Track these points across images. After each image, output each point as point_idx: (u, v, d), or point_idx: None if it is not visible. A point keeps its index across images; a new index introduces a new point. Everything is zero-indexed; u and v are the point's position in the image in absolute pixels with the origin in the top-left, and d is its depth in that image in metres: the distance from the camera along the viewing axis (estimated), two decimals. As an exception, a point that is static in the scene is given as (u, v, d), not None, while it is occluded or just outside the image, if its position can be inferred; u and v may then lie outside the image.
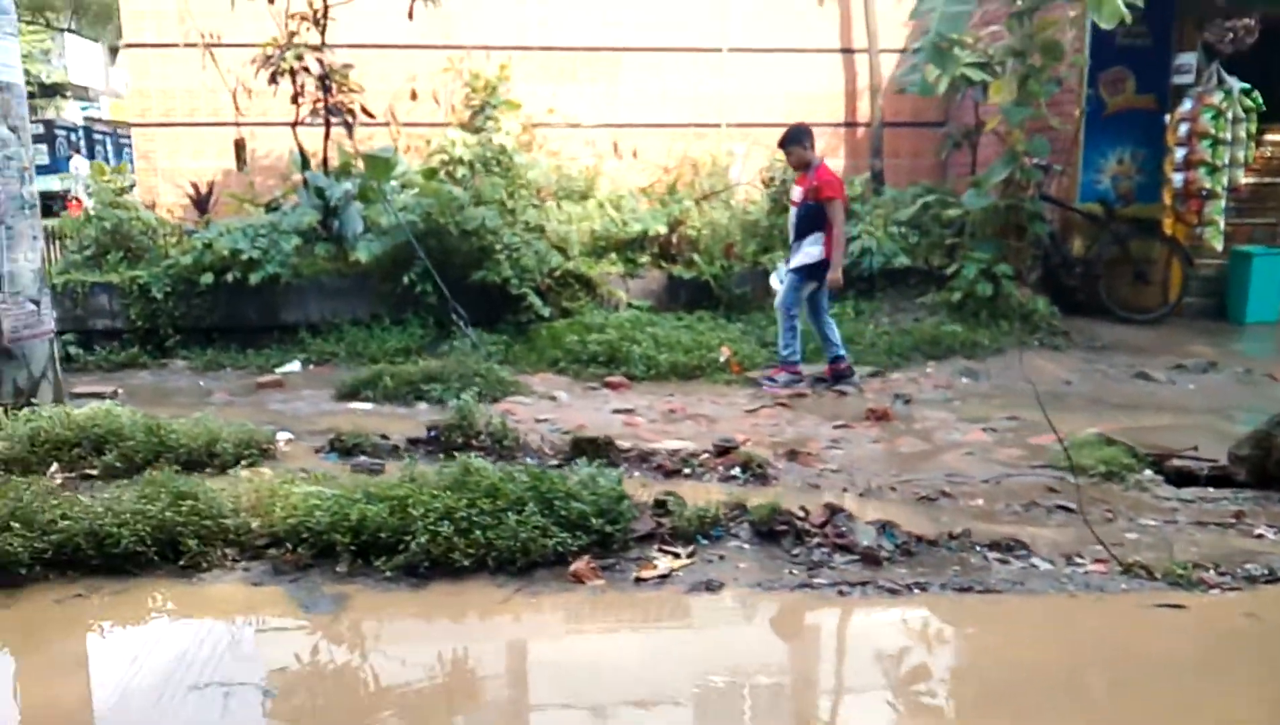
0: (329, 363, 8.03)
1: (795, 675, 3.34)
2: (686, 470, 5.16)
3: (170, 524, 3.93)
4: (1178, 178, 8.60)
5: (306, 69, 8.16)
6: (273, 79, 8.32)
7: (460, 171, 8.88)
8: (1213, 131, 8.34)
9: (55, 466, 5.05)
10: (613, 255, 8.63)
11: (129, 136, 36.66)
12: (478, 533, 3.88)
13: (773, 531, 4.13)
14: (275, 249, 7.97)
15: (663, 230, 8.58)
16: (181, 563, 3.91)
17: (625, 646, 3.46)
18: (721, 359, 7.65)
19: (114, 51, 39.77)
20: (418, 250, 7.81)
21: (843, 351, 7.28)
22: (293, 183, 9.54)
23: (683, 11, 11.29)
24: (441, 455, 5.38)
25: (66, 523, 3.84)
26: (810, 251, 7.13)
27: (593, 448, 5.34)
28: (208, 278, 7.88)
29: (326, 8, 8.40)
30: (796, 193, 7.32)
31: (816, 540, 4.08)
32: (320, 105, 8.56)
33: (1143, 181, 9.40)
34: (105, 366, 7.95)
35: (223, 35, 9.54)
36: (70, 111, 35.02)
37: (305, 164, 8.59)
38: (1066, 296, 8.96)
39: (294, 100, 8.52)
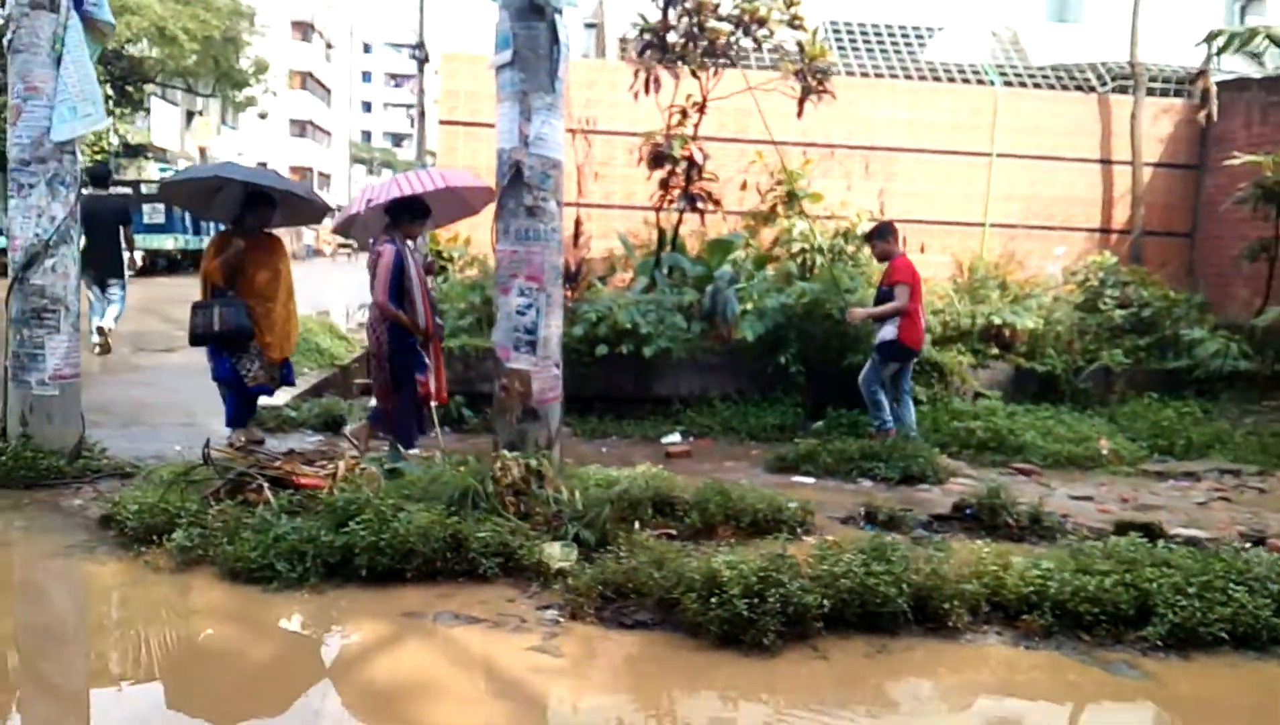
0: (707, 436, 8.29)
1: None
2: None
3: (923, 587, 4.15)
4: None
5: (690, 157, 8.60)
6: (654, 163, 8.75)
7: (817, 259, 9.26)
8: None
9: (637, 524, 5.27)
10: (960, 345, 8.94)
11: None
12: (1219, 608, 4.09)
13: None
14: (664, 324, 8.30)
15: (1030, 324, 8.91)
16: (929, 624, 4.13)
17: None
18: (1104, 451, 7.89)
19: (189, 116, 41.02)
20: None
21: (891, 425, 7.68)
22: (614, 260, 9.94)
23: (954, 117, 11.83)
24: (978, 531, 5.63)
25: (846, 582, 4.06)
26: (886, 332, 7.66)
27: (1137, 530, 5.55)
28: (602, 349, 8.19)
29: (704, 101, 8.88)
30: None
31: None
32: (681, 191, 8.98)
33: None
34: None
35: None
36: (150, 172, 36.06)
37: (669, 245, 8.97)
38: None
39: (663, 185, 8.94)
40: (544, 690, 3.56)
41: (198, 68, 29.21)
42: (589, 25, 17.12)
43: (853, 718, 3.49)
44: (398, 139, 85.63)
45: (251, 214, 6.64)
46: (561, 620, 4.10)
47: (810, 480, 7.03)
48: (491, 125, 11.20)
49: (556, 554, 4.72)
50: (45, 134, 5.95)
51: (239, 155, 51.12)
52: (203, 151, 43.66)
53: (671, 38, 8.81)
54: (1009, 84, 12.34)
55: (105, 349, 10.32)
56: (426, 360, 6.35)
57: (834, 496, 6.50)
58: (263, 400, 7.68)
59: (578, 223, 10.25)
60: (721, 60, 8.95)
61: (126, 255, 10.70)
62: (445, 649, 3.84)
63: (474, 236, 10.34)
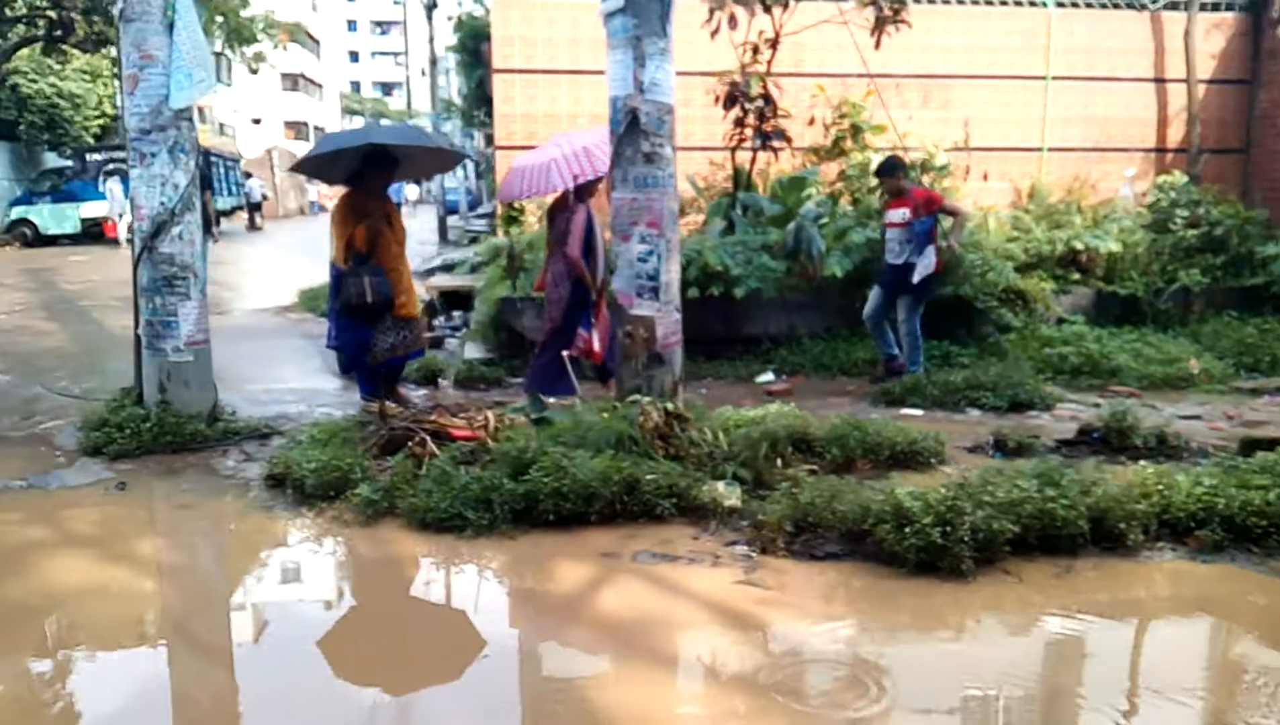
0: (798, 373, 8.40)
1: None
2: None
3: (1098, 508, 4.29)
4: None
5: (765, 94, 8.59)
6: (729, 103, 8.75)
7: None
8: None
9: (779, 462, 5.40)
10: (1040, 271, 9.01)
11: (235, 163, 37.45)
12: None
13: None
14: (752, 265, 8.36)
15: (1114, 247, 8.97)
16: (1105, 543, 4.28)
17: None
18: (1195, 371, 8.01)
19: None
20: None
21: (896, 352, 7.92)
22: (682, 202, 9.94)
23: (1008, 40, 11.76)
24: (1106, 454, 5.77)
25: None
26: (929, 264, 7.63)
27: (1263, 446, 5.68)
28: (693, 292, 8.26)
29: (777, 38, 8.84)
30: (897, 215, 7.84)
31: None
32: (756, 130, 8.98)
33: None
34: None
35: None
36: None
37: (744, 184, 9.00)
38: None
39: (738, 124, 8.94)
40: (768, 618, 3.71)
41: (207, 25, 28.80)
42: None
43: (1081, 623, 3.68)
44: (387, 88, 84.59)
45: (376, 172, 6.61)
46: (754, 555, 4.25)
47: (919, 412, 7.14)
48: (547, 71, 11.32)
49: (723, 492, 4.86)
50: (163, 102, 5.97)
51: (234, 111, 50.59)
52: (202, 111, 43.21)
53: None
54: (1061, 4, 12.22)
55: None
56: (592, 318, 6.55)
57: (948, 427, 6.59)
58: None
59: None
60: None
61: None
62: (655, 585, 3.99)
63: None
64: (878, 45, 8.83)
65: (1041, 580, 4.01)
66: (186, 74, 5.99)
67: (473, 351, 8.75)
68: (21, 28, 24.42)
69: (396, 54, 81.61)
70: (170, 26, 5.95)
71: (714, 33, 8.57)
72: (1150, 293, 9.07)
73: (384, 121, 77.89)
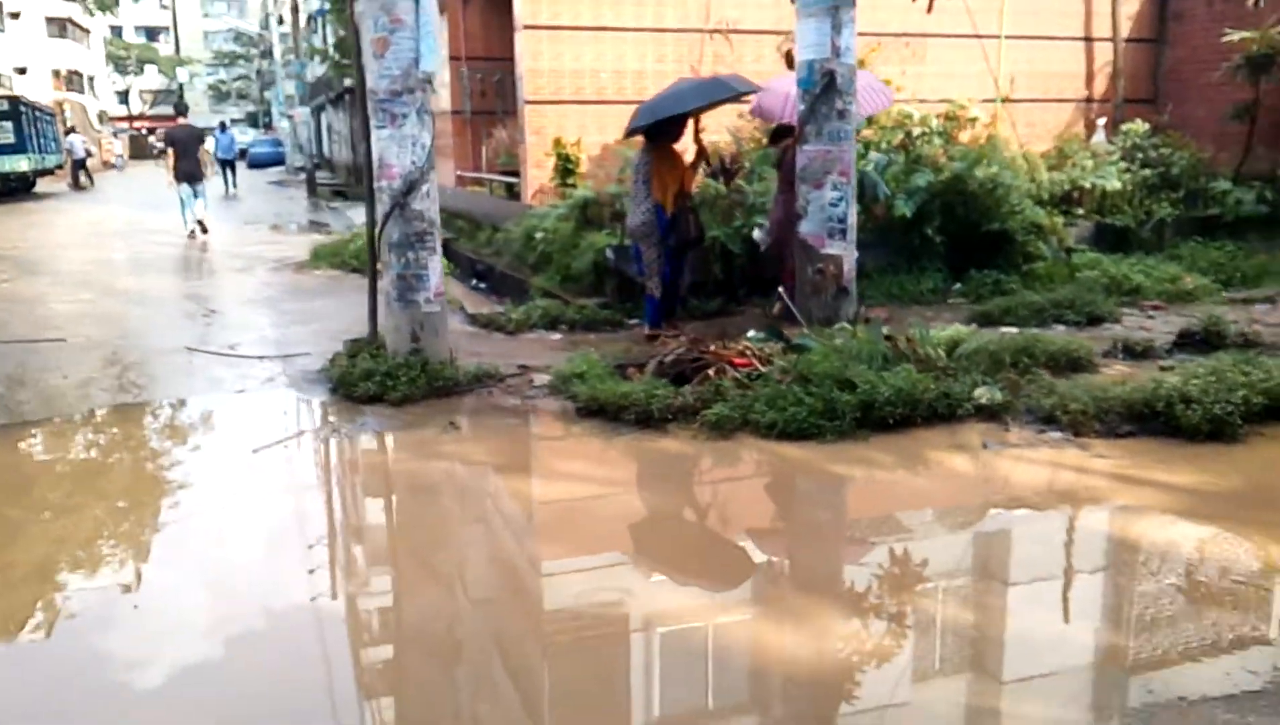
0: (874, 304, 9.47)
1: None
2: None
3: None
4: None
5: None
6: (790, 60, 9.62)
7: (926, 138, 10.45)
8: None
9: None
10: (1048, 208, 10.44)
11: (52, 116, 34.88)
12: None
13: None
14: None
15: (1116, 185, 10.50)
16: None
17: None
18: (1190, 286, 9.66)
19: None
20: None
21: None
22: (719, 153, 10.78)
23: (973, 4, 13.14)
24: (1210, 351, 7.17)
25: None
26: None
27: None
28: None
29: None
30: None
31: None
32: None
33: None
34: (698, 315, 9.08)
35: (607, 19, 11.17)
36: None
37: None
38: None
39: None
40: (1140, 477, 4.80)
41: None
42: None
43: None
44: (152, 33, 79.06)
45: (679, 127, 7.80)
46: (1069, 437, 5.30)
47: (1015, 330, 8.37)
48: (571, 28, 11.74)
49: (987, 394, 5.89)
50: (412, 65, 6.29)
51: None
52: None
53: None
54: (1012, -30, 13.71)
55: (204, 230, 16.19)
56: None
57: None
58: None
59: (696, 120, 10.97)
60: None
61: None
62: (1032, 464, 5.01)
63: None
64: (930, 9, 9.93)
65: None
66: (432, 39, 6.33)
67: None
68: None
69: (161, -5, 76.45)
70: (414, -9, 6.26)
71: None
72: (1138, 224, 10.72)
73: (149, 69, 72.68)
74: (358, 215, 21.00)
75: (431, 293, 6.52)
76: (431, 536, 4.54)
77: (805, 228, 7.17)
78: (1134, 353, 7.18)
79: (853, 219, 7.18)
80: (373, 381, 6.22)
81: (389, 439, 5.77)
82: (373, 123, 6.39)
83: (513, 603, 3.88)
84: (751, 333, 7.01)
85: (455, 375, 6.47)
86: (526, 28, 11.67)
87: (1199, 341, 7.35)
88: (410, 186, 6.35)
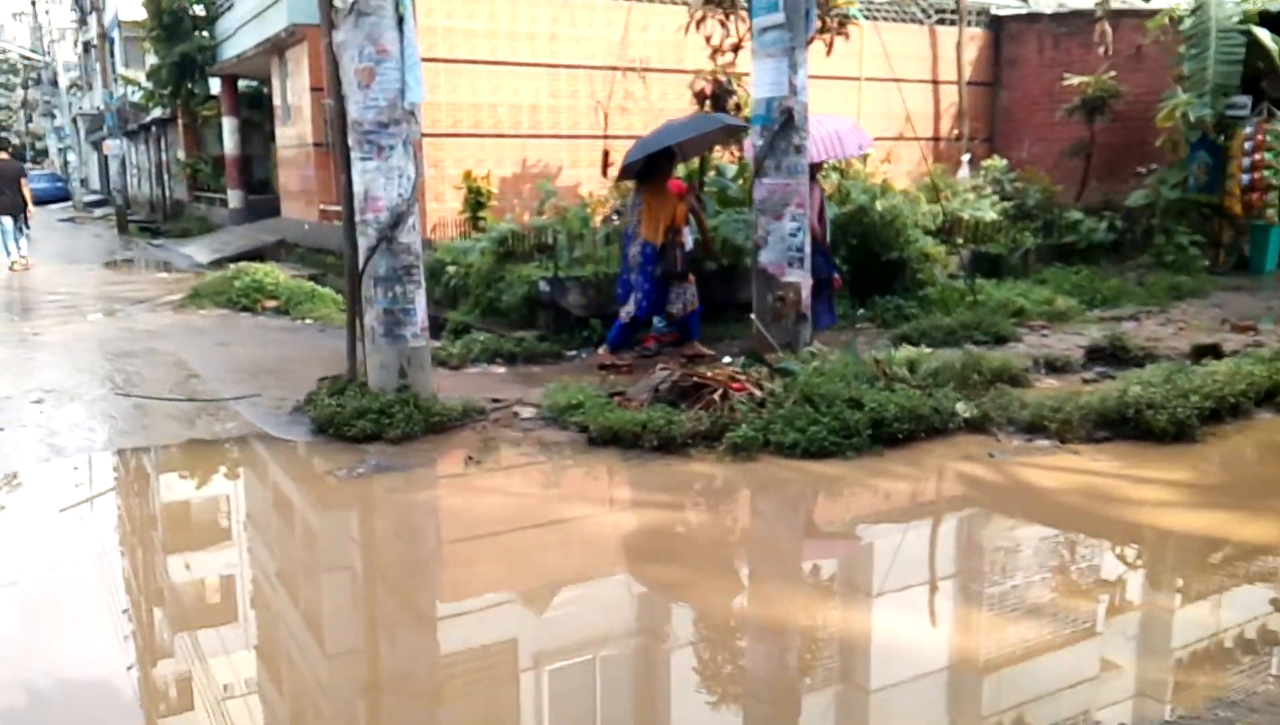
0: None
1: None
2: None
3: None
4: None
5: (733, 91, 9.98)
6: (700, 98, 10.03)
7: (824, 174, 11.03)
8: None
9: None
10: (931, 238, 11.25)
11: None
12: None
13: None
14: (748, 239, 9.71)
15: (993, 216, 11.39)
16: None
17: None
18: (1060, 308, 10.65)
19: None
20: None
21: None
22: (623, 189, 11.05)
23: (840, 48, 14.00)
24: (1114, 365, 7.99)
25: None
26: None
27: (1208, 351, 8.18)
28: (711, 265, 9.46)
29: (739, 44, 10.23)
30: None
31: None
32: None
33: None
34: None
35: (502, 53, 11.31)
36: None
37: (706, 170, 10.34)
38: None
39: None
40: (1144, 474, 5.32)
41: None
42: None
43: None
44: None
45: (670, 165, 8.11)
46: (1057, 444, 5.80)
47: (929, 350, 9.00)
48: (469, 61, 11.72)
49: (966, 408, 6.34)
50: (398, 95, 6.17)
51: None
52: None
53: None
54: (870, 18, 14.69)
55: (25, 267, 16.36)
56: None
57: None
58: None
59: (605, 154, 11.16)
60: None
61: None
62: (1038, 468, 5.47)
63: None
64: (829, 53, 10.54)
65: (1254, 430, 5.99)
66: (418, 69, 6.24)
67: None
68: None
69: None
70: (400, 22, 6.16)
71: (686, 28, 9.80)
72: (1008, 252, 11.71)
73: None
74: (196, 252, 19.93)
75: (418, 327, 6.38)
76: (560, 564, 4.61)
77: (765, 257, 7.47)
78: (1055, 368, 7.88)
79: (808, 248, 7.55)
80: (367, 419, 6.02)
81: (420, 476, 5.59)
82: (357, 155, 6.21)
83: (695, 623, 4.00)
84: (727, 358, 7.23)
85: (446, 411, 6.34)
86: (425, 60, 11.52)
87: (1108, 356, 8.15)
88: (398, 219, 6.21)
